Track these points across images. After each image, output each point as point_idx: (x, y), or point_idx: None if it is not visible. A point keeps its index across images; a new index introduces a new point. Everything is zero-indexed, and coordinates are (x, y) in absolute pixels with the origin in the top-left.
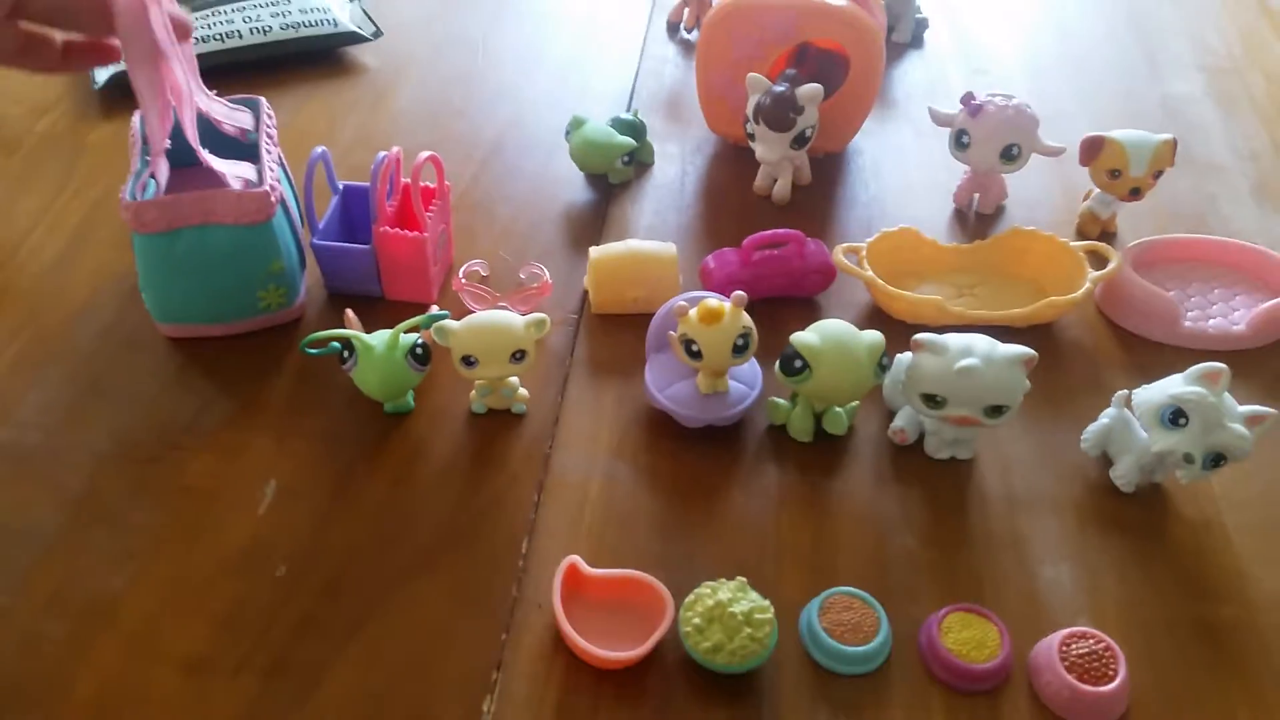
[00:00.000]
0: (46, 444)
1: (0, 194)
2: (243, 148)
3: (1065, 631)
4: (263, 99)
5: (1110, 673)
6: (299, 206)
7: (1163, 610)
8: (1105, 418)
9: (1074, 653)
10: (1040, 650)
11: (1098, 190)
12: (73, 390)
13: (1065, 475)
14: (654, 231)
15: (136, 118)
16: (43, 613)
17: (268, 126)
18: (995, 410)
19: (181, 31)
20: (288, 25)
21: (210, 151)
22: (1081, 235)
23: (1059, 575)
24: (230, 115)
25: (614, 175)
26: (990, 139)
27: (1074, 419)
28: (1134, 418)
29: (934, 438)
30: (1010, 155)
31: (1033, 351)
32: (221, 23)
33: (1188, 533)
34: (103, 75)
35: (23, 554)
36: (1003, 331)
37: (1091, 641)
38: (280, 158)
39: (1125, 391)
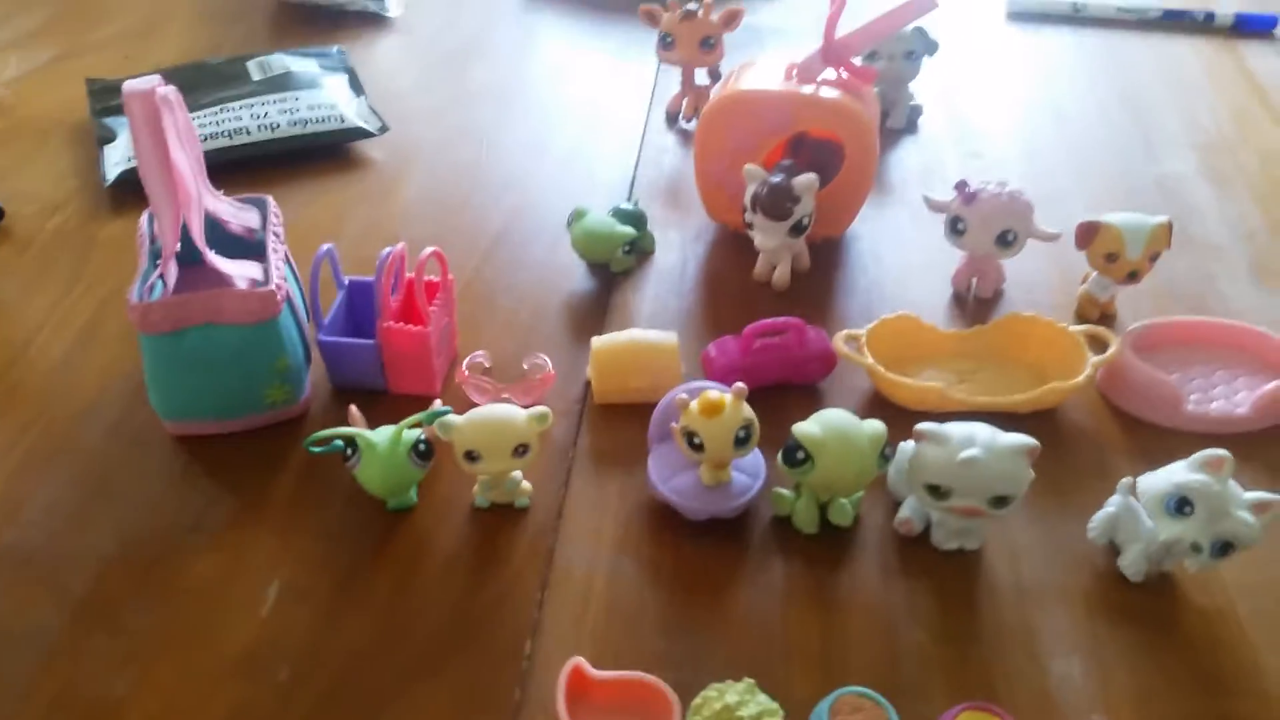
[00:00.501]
0: (50, 545)
1: (12, 292)
2: (249, 246)
3: None
4: (269, 198)
5: None
6: (305, 302)
7: (1178, 705)
8: (1111, 506)
9: None
10: None
11: (1095, 273)
12: (78, 490)
13: (1073, 564)
14: (656, 319)
15: (144, 217)
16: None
17: (274, 225)
18: (1000, 501)
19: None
20: (296, 121)
21: (217, 250)
22: (1081, 318)
23: (1070, 669)
24: (237, 215)
25: (616, 264)
26: (985, 225)
27: (1080, 506)
28: (1140, 505)
29: (941, 528)
30: (1006, 241)
31: (1036, 442)
32: (230, 119)
33: (1200, 622)
34: (112, 172)
35: (25, 658)
36: (1005, 418)
37: None
38: (287, 255)
39: (1130, 479)
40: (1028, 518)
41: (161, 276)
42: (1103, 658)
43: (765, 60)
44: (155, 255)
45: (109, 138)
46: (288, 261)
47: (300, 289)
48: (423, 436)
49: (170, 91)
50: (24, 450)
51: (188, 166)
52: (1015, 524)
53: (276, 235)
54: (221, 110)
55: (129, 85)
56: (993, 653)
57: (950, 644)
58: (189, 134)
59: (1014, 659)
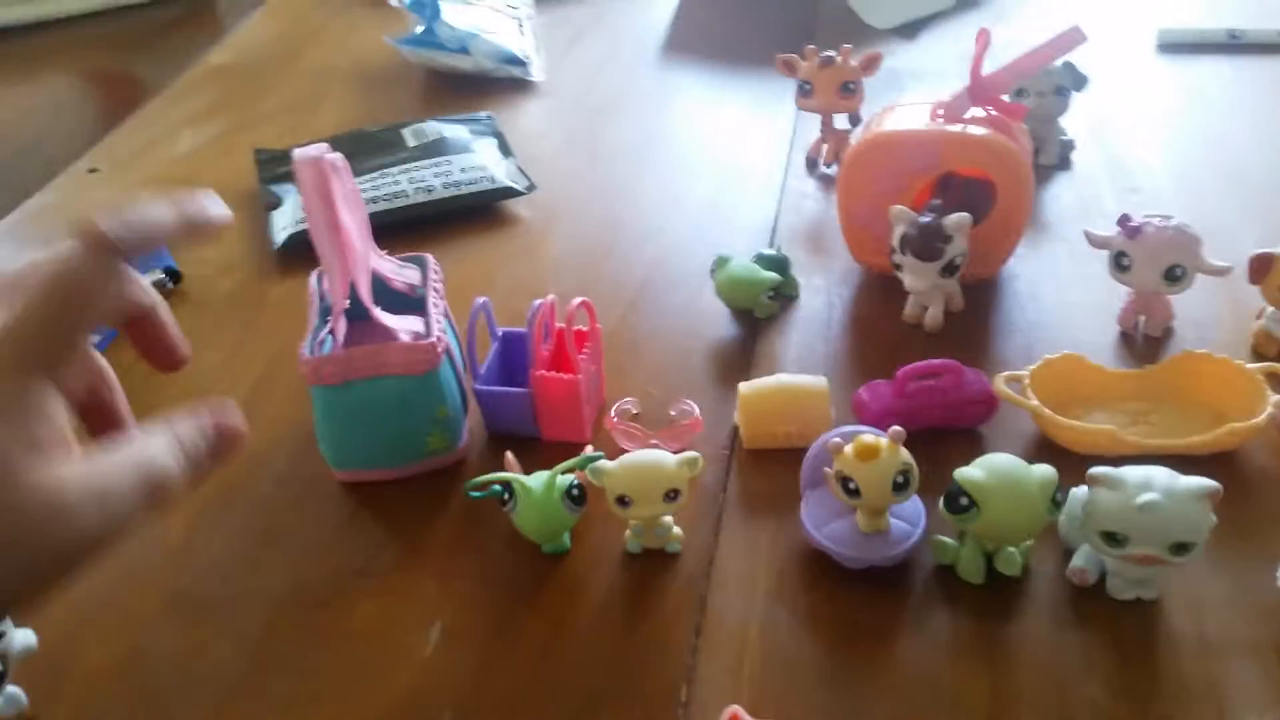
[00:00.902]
0: (224, 590)
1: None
2: (410, 301)
3: None
4: (429, 256)
5: None
6: (461, 354)
7: None
8: None
9: None
10: None
11: (1271, 309)
12: (250, 537)
13: (1262, 615)
14: (802, 364)
15: (314, 276)
16: None
17: (434, 281)
18: (1181, 548)
19: None
20: (450, 184)
21: (382, 307)
22: (1258, 356)
23: None
24: (399, 272)
25: (760, 310)
26: (1152, 260)
27: (1266, 553)
28: None
29: (1117, 578)
30: (1174, 276)
31: (1217, 484)
32: (389, 184)
33: None
34: (280, 236)
35: (202, 699)
36: (1180, 461)
37: None
38: (446, 310)
39: None
40: (1209, 566)
41: (331, 332)
42: None
43: (908, 102)
44: (325, 312)
45: (276, 204)
46: (447, 316)
47: (458, 341)
48: (576, 481)
49: (337, 158)
50: (200, 499)
51: (354, 228)
52: (1196, 573)
53: (436, 290)
54: (381, 175)
55: (299, 152)
56: (1176, 710)
57: (1130, 701)
58: (354, 197)
59: (1200, 717)
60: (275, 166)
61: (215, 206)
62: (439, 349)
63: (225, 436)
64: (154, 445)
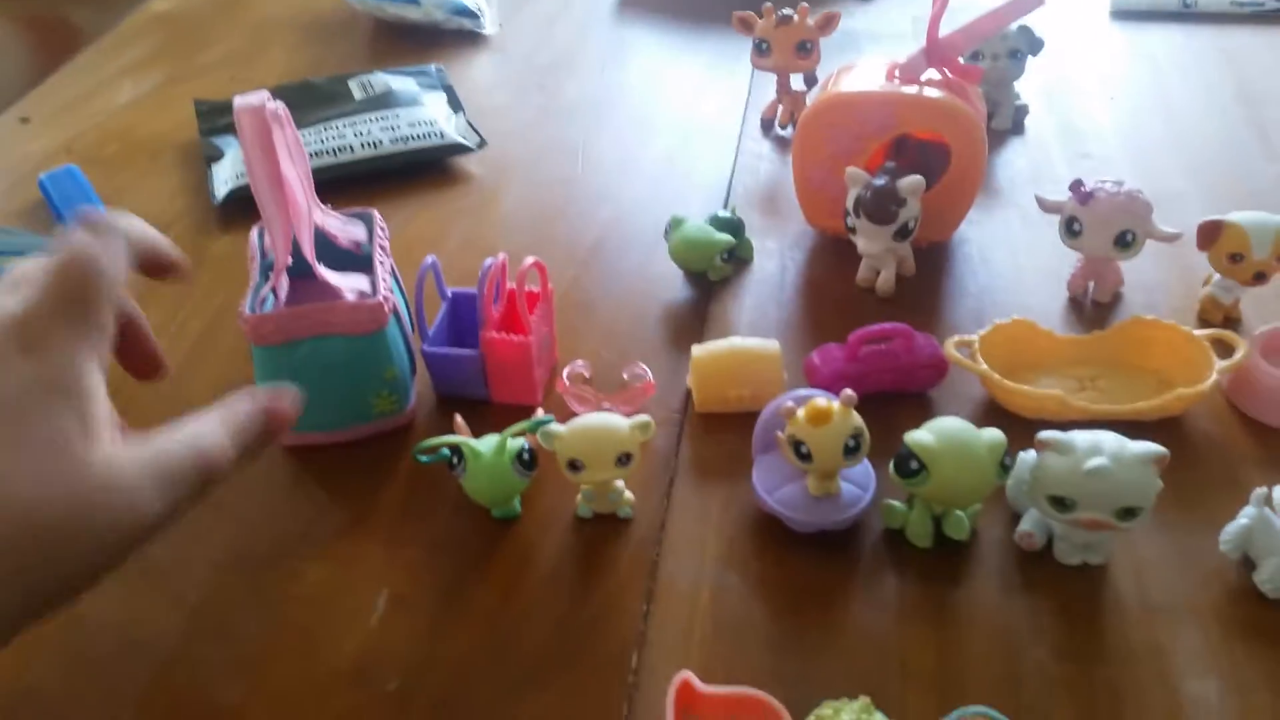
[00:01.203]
0: (165, 556)
1: None
2: (356, 259)
3: None
4: (375, 212)
5: None
6: (409, 314)
7: None
8: (1244, 517)
9: None
10: None
11: (1218, 275)
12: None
13: (1205, 579)
14: (755, 328)
15: (255, 231)
16: None
17: (380, 238)
18: (1128, 513)
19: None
20: (397, 139)
21: (326, 264)
22: (1204, 322)
23: (1206, 691)
24: (344, 229)
25: (714, 272)
26: (1103, 226)
27: (1210, 518)
28: (1275, 517)
29: (1064, 542)
30: (1125, 242)
31: (1164, 449)
32: (334, 137)
33: None
34: (221, 190)
35: (144, 665)
36: (1128, 426)
37: None
38: (393, 268)
39: (1264, 489)
40: (1155, 531)
41: (273, 290)
42: (1241, 679)
43: (864, 63)
44: (266, 269)
45: (217, 156)
46: (394, 275)
47: (405, 301)
48: (526, 445)
49: (279, 106)
50: None
51: (297, 181)
52: (1142, 537)
53: (383, 248)
54: (325, 128)
55: (240, 100)
56: (1121, 673)
57: (1075, 663)
58: (298, 149)
59: (1143, 680)
60: (216, 118)
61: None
62: (386, 308)
63: (275, 419)
64: (206, 428)
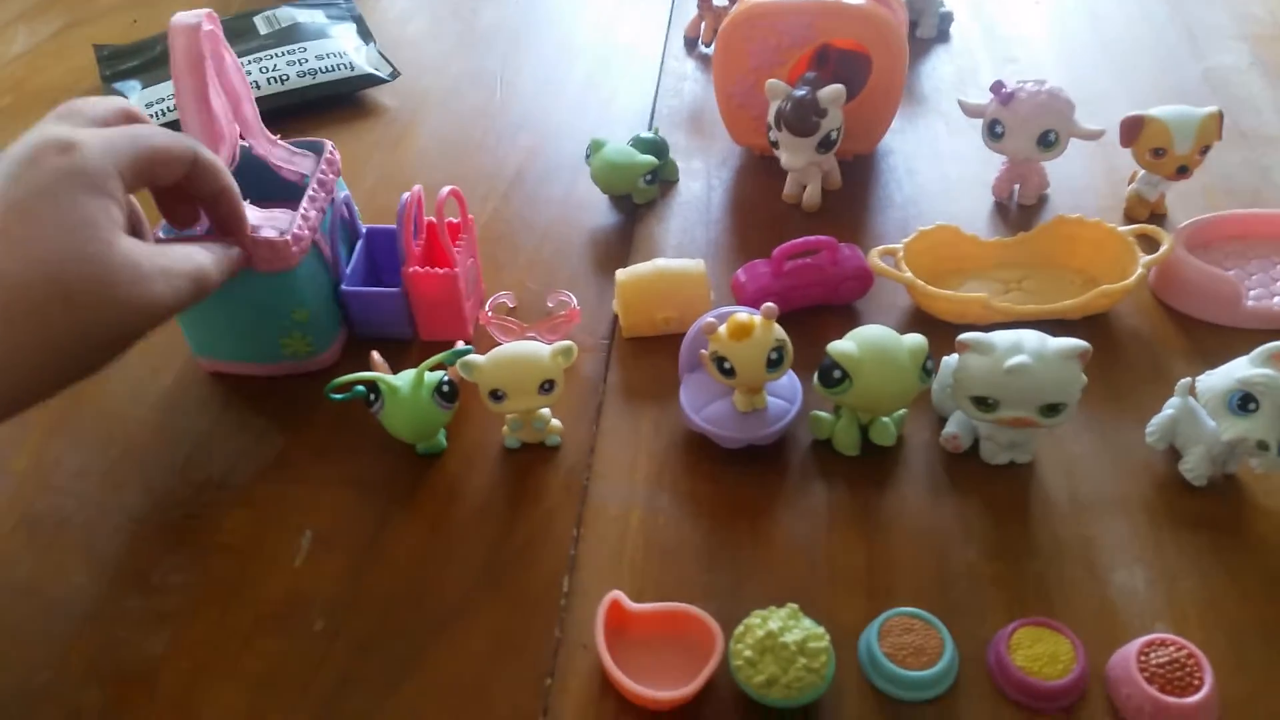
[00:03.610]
0: (80, 511)
1: None
2: (300, 192)
3: (1143, 639)
4: (328, 142)
5: (1195, 682)
6: (348, 251)
7: (1249, 611)
8: (1170, 408)
9: (1154, 662)
10: (1117, 661)
11: (1143, 171)
12: (107, 450)
13: (1132, 472)
14: (682, 250)
15: None
16: (81, 684)
17: (321, 171)
18: (1051, 409)
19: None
20: (305, 73)
21: (269, 196)
22: (1130, 219)
23: (1133, 580)
24: (290, 160)
25: (638, 195)
26: (1025, 126)
27: (1137, 412)
28: (1200, 406)
29: (989, 442)
30: (1047, 142)
31: (1086, 344)
32: None
33: (1270, 525)
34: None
35: (62, 622)
36: (1055, 325)
37: (1172, 649)
38: (348, 199)
39: (1189, 379)
40: (1082, 427)
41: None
42: (1166, 567)
43: None
44: None
45: None
46: (347, 207)
47: (348, 236)
48: (446, 377)
49: (217, 28)
50: (48, 412)
51: (223, 108)
52: (1069, 434)
53: (321, 182)
54: None
55: (177, 17)
56: (1050, 568)
57: (1004, 561)
58: (237, 76)
59: (1072, 573)
60: (117, 63)
61: None
62: (294, 248)
63: (241, 255)
64: (198, 251)
